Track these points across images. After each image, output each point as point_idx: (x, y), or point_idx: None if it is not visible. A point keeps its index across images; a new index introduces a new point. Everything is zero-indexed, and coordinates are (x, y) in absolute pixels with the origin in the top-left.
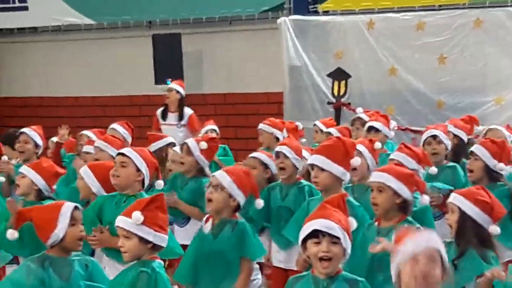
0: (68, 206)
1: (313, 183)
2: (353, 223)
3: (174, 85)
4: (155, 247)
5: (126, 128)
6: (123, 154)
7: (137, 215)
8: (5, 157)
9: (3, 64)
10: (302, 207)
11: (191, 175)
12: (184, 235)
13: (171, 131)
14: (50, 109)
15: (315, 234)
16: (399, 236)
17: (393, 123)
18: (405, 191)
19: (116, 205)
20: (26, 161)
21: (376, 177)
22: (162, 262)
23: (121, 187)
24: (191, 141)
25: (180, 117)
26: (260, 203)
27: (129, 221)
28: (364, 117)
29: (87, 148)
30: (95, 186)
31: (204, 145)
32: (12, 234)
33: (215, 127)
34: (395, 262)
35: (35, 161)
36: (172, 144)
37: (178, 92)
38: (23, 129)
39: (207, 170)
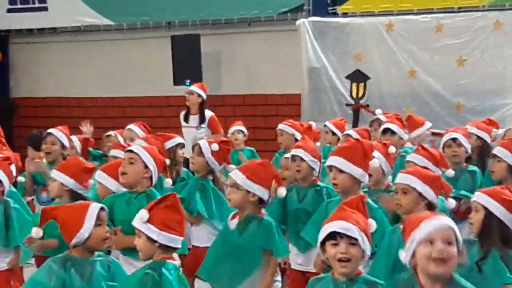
0: (94, 207)
1: (331, 185)
2: (373, 225)
3: (195, 87)
4: (167, 247)
5: (143, 129)
6: (131, 151)
7: (142, 213)
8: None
9: (23, 64)
10: (320, 209)
11: (200, 175)
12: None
13: (191, 133)
14: (69, 110)
15: (333, 235)
16: (410, 219)
17: (428, 124)
18: (430, 194)
19: (127, 203)
20: (52, 162)
21: (401, 178)
22: (176, 263)
23: (129, 185)
24: (203, 142)
25: (201, 120)
26: (282, 192)
27: (137, 219)
28: (383, 118)
29: (114, 152)
30: (112, 185)
31: (215, 147)
32: (37, 232)
33: (243, 128)
34: (409, 243)
35: (60, 160)
36: (181, 145)
37: (199, 95)
38: (50, 130)
39: (217, 172)
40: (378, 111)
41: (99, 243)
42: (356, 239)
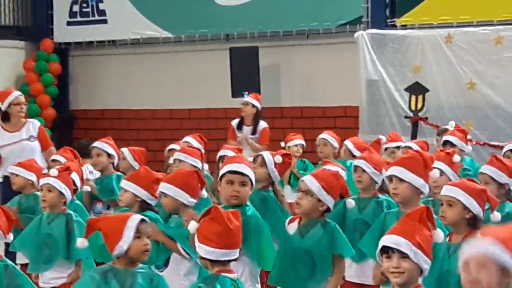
0: (134, 219)
1: (391, 195)
2: (440, 235)
3: (250, 98)
4: (218, 260)
5: (199, 141)
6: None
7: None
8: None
9: (82, 77)
10: (378, 220)
11: (260, 187)
12: None
13: (244, 144)
14: (128, 122)
15: (387, 249)
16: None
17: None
18: (475, 207)
19: None
20: (102, 172)
21: (446, 191)
22: (233, 276)
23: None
24: (266, 154)
25: (254, 131)
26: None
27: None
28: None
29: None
30: (181, 196)
31: (279, 159)
32: (82, 242)
33: (303, 142)
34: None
35: (110, 170)
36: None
37: (254, 106)
38: (94, 143)
39: (277, 184)
40: (451, 123)
41: (140, 255)
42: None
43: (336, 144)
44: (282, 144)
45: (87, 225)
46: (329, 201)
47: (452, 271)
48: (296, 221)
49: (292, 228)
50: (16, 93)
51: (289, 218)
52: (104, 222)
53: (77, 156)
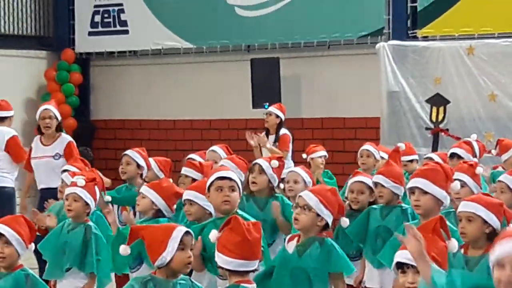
0: (179, 230)
1: (413, 207)
2: (454, 245)
3: (273, 108)
4: (237, 271)
5: (225, 151)
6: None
7: (214, 233)
8: (108, 180)
9: (103, 87)
10: (399, 231)
11: (264, 194)
12: None
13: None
14: (148, 132)
15: (402, 265)
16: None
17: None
18: (494, 221)
19: None
20: (129, 180)
21: (465, 206)
22: (252, 287)
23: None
24: (261, 161)
25: (276, 139)
26: (346, 221)
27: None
28: (474, 144)
29: (186, 170)
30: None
31: (275, 163)
32: (124, 249)
33: (326, 153)
34: (490, 259)
35: (138, 181)
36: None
37: (278, 116)
38: (126, 151)
39: (276, 188)
40: (473, 136)
41: (182, 267)
42: None
43: (378, 156)
44: (304, 155)
45: (130, 232)
46: (328, 216)
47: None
48: (295, 239)
49: (290, 246)
50: (42, 107)
51: (288, 236)
52: (148, 231)
53: (88, 164)
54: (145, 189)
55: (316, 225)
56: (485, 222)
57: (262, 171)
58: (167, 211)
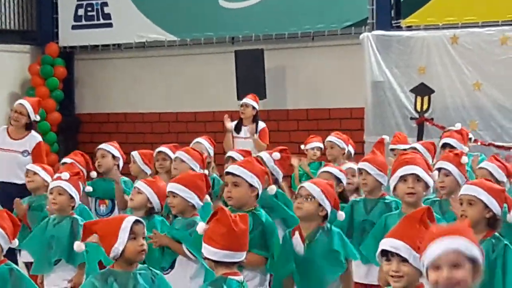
0: (128, 221)
1: (406, 194)
2: None
3: (249, 100)
4: (225, 262)
5: (210, 143)
6: (233, 174)
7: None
8: (93, 173)
9: (88, 81)
10: (379, 223)
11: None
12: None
13: (243, 144)
14: (133, 125)
15: (386, 253)
16: (425, 237)
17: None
18: (495, 206)
19: None
20: (106, 173)
21: (467, 190)
22: (239, 278)
23: (237, 207)
24: (264, 154)
25: (255, 131)
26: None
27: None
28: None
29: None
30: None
31: (277, 155)
32: (79, 246)
33: (320, 145)
34: (422, 266)
35: (115, 173)
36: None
37: (254, 108)
38: (100, 146)
39: (280, 181)
40: (458, 125)
41: (136, 255)
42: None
43: (343, 145)
44: (302, 146)
45: (83, 228)
46: (328, 206)
47: None
48: (297, 233)
49: (296, 239)
50: (19, 101)
51: (290, 230)
52: (100, 225)
53: (88, 160)
54: (142, 186)
55: (318, 215)
56: (486, 206)
57: (263, 164)
58: (159, 209)
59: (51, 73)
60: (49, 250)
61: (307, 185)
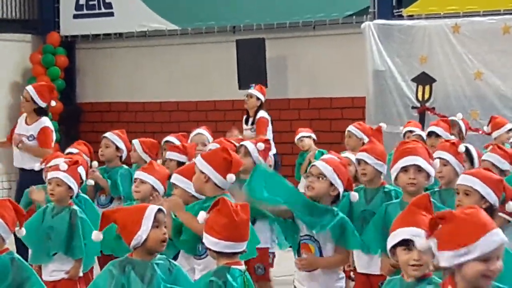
0: (152, 209)
1: (407, 184)
2: None
3: (254, 91)
4: (227, 252)
5: (210, 133)
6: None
7: (202, 214)
8: (95, 163)
9: (89, 70)
10: (380, 212)
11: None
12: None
13: (249, 135)
14: (135, 114)
15: (406, 242)
16: (468, 225)
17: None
18: (492, 196)
19: None
20: (107, 163)
21: (464, 180)
22: (242, 268)
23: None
24: (248, 143)
25: (254, 122)
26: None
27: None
28: (460, 123)
29: (170, 155)
30: (191, 188)
31: (261, 146)
32: (97, 235)
33: (308, 133)
34: (462, 253)
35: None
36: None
37: (258, 98)
38: (105, 134)
39: None
40: (459, 116)
41: (158, 245)
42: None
43: (360, 135)
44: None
45: (102, 217)
46: (340, 186)
47: None
48: None
49: None
50: (27, 87)
51: None
52: (121, 213)
53: (91, 150)
54: (142, 175)
55: (329, 194)
56: (482, 197)
57: (247, 153)
58: (163, 194)
59: (52, 62)
60: (47, 241)
61: (319, 163)
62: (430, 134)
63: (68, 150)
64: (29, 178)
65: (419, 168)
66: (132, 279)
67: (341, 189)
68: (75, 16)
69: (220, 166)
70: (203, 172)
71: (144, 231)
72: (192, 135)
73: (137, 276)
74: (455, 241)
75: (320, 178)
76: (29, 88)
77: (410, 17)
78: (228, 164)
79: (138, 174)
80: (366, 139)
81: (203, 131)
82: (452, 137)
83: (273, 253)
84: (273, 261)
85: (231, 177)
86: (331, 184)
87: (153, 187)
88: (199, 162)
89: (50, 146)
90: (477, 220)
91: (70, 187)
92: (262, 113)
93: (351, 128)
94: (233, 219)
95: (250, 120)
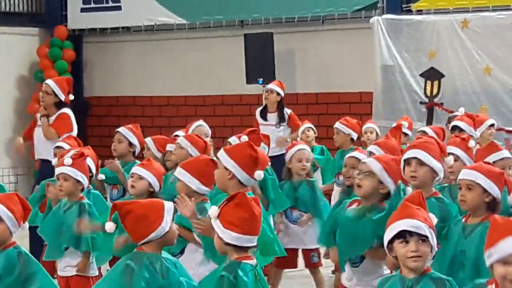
0: (169, 203)
1: (408, 178)
2: (434, 219)
3: (274, 86)
4: (240, 246)
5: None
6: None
7: (214, 209)
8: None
9: (97, 64)
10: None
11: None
12: None
13: (270, 131)
14: (142, 108)
15: (403, 234)
16: (496, 227)
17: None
18: (494, 190)
19: None
20: (120, 158)
21: (466, 174)
22: (253, 263)
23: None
24: (233, 139)
25: (280, 118)
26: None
27: (210, 214)
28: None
29: (170, 147)
30: (193, 183)
31: (245, 138)
32: (110, 226)
33: (312, 126)
34: (487, 255)
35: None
36: None
37: (278, 93)
38: (118, 129)
39: None
40: (461, 110)
41: (173, 238)
42: (426, 236)
43: (347, 131)
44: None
45: (113, 208)
46: (390, 184)
47: (467, 252)
48: (355, 204)
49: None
50: (47, 81)
51: (349, 201)
52: (137, 205)
53: (81, 144)
54: (140, 171)
55: (378, 192)
56: (485, 190)
57: None
58: (158, 191)
59: (59, 56)
60: (59, 236)
61: (369, 161)
62: (454, 128)
63: (57, 144)
64: (49, 169)
65: (420, 162)
66: (153, 273)
67: (391, 187)
68: (83, 10)
69: (246, 163)
70: (227, 169)
71: (167, 223)
72: (192, 127)
73: (155, 270)
74: (487, 243)
75: (369, 176)
76: (49, 81)
77: (419, 12)
78: (254, 161)
79: (136, 170)
80: (354, 135)
81: (203, 123)
82: (478, 133)
83: None
84: None
85: (259, 174)
86: (381, 182)
87: (149, 184)
88: (223, 158)
89: (61, 131)
90: (506, 225)
91: (78, 181)
92: (288, 110)
93: (337, 125)
94: (254, 213)
95: (271, 116)
